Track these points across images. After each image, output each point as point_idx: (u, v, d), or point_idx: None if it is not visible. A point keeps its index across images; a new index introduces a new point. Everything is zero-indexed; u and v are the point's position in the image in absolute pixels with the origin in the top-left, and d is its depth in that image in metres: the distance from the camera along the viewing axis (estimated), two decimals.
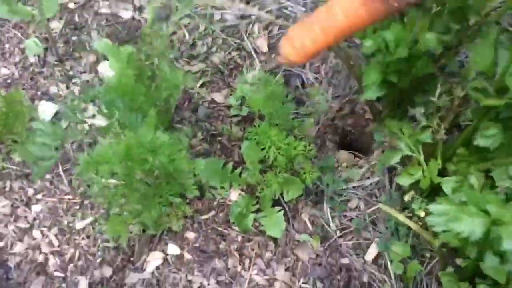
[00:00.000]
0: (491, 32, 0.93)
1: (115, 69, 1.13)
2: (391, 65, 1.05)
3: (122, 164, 0.88)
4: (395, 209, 1.13)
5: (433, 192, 1.09)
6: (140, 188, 0.96)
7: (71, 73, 1.36)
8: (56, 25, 1.42)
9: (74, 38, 1.41)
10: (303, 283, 1.17)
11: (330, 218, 1.23)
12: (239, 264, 1.19)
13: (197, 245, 1.20)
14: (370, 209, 1.23)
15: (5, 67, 1.36)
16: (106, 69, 1.35)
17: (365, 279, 1.18)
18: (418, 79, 1.07)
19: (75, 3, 1.47)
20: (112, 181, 0.98)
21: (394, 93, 1.14)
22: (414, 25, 1.01)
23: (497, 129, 0.92)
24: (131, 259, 1.18)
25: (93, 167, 0.89)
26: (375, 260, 1.19)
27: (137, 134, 0.91)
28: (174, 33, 1.42)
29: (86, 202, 1.23)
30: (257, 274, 1.18)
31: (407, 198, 1.15)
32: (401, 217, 1.05)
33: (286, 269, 1.19)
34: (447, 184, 1.01)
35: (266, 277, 1.18)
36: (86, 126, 1.24)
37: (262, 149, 1.16)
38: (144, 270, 1.17)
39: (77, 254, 1.18)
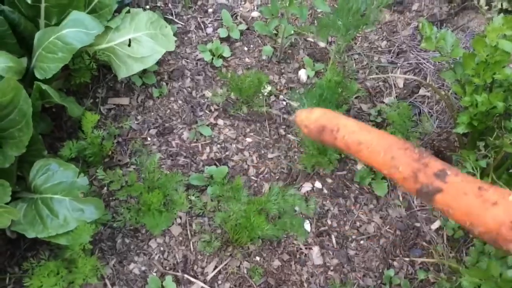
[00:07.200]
0: None
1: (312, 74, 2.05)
2: (476, 115, 1.81)
3: None
4: None
5: None
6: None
7: (282, 71, 2.32)
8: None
9: (289, 51, 2.36)
10: (388, 228, 2.00)
11: (414, 197, 2.04)
12: (353, 205, 2.04)
13: (332, 186, 2.08)
14: None
15: (248, 58, 2.35)
16: (303, 73, 2.28)
17: (427, 238, 1.97)
18: (488, 128, 1.83)
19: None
20: None
21: (474, 133, 1.90)
22: (498, 97, 1.76)
23: None
24: (294, 182, 2.09)
25: None
26: (437, 230, 1.97)
27: None
28: (345, 63, 2.31)
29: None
30: (362, 214, 2.03)
31: None
32: None
33: (380, 217, 2.02)
34: None
35: (367, 218, 2.02)
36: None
37: None
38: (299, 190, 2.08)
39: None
